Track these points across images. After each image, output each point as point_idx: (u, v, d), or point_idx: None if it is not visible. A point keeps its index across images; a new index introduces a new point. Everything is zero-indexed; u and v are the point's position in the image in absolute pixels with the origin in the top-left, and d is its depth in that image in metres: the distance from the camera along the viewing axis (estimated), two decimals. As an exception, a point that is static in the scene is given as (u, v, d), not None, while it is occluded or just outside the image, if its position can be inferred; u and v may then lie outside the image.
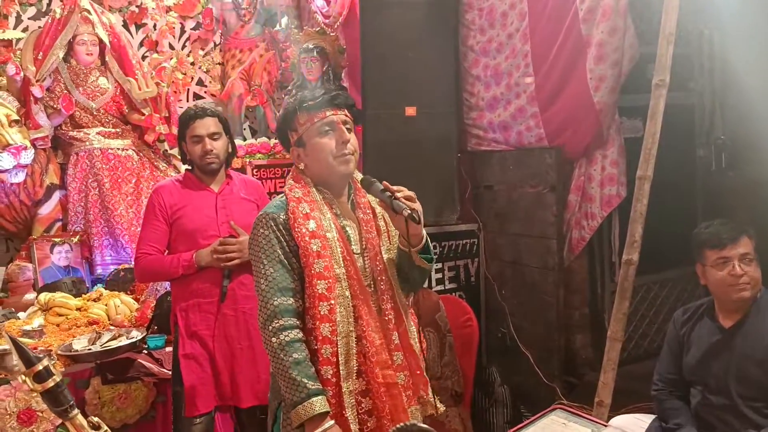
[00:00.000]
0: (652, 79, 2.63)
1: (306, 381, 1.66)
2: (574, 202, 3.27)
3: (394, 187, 1.74)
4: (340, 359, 1.72)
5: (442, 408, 1.93)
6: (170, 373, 2.70)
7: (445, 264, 3.61)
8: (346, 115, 1.82)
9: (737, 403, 2.09)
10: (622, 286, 2.69)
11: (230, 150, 2.70)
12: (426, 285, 3.53)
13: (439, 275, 3.60)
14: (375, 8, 3.57)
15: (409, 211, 1.66)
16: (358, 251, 1.81)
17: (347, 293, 1.76)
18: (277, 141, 4.19)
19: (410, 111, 3.54)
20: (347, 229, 1.82)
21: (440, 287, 3.60)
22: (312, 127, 1.79)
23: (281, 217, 1.77)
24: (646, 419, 2.40)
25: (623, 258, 2.70)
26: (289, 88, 4.25)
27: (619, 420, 2.51)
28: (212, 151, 2.58)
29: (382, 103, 3.54)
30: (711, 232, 2.15)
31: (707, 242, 2.14)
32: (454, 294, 3.60)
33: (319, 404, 1.66)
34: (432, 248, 1.88)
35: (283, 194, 1.83)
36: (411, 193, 1.74)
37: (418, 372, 1.85)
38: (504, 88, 3.50)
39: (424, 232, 1.81)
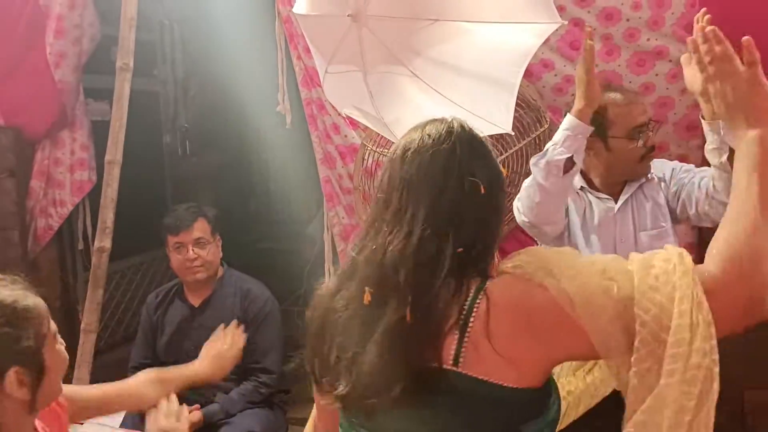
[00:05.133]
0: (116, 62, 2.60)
1: None
2: (38, 188, 3.02)
3: None
4: None
5: None
6: None
7: None
8: None
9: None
10: (95, 274, 2.62)
11: None
12: None
13: None
14: None
15: None
16: None
17: None
18: None
19: None
20: None
21: None
22: None
23: None
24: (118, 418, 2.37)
25: (95, 245, 2.64)
26: None
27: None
28: None
29: None
30: (171, 219, 2.29)
31: (167, 228, 2.28)
32: None
33: None
34: None
35: None
36: None
37: None
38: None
39: None
